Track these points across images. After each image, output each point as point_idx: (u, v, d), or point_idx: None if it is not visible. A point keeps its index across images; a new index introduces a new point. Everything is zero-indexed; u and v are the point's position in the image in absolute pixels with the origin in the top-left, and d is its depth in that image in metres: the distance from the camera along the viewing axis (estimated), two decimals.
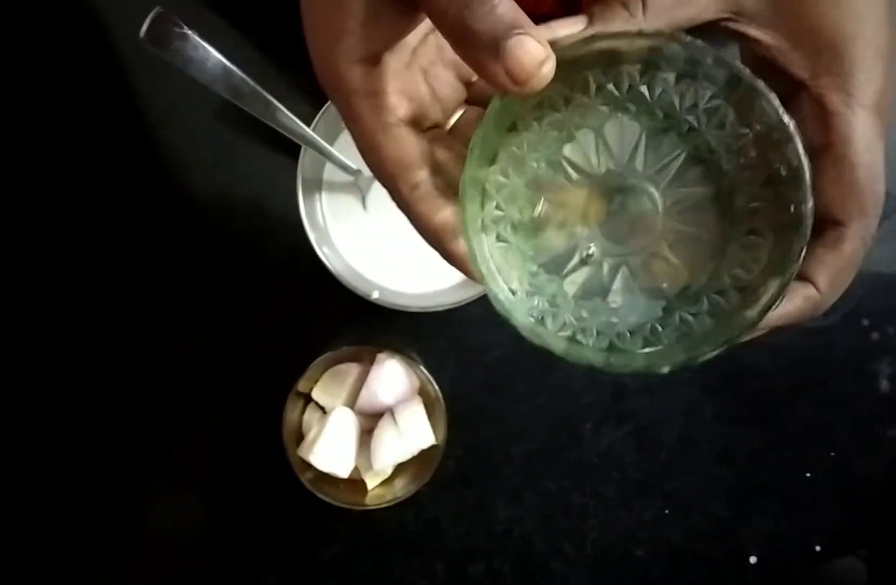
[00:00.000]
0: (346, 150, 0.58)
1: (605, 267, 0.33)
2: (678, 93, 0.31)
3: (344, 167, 0.57)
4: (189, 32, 0.52)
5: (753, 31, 0.33)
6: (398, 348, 0.57)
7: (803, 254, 0.30)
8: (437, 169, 0.32)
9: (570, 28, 0.31)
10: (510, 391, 0.61)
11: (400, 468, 0.58)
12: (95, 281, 0.60)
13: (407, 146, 0.31)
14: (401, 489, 0.56)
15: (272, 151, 0.59)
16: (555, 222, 0.33)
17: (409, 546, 0.61)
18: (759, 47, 0.33)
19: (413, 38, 0.32)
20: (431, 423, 0.56)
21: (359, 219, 0.60)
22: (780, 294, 0.30)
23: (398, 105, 0.31)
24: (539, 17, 0.54)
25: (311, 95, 0.56)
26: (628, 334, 0.32)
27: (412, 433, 0.55)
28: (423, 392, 0.58)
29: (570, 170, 0.32)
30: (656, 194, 0.32)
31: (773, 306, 0.30)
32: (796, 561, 0.64)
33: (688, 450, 0.63)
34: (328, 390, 0.57)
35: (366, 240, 0.60)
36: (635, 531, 0.63)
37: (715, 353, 0.31)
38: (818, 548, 0.64)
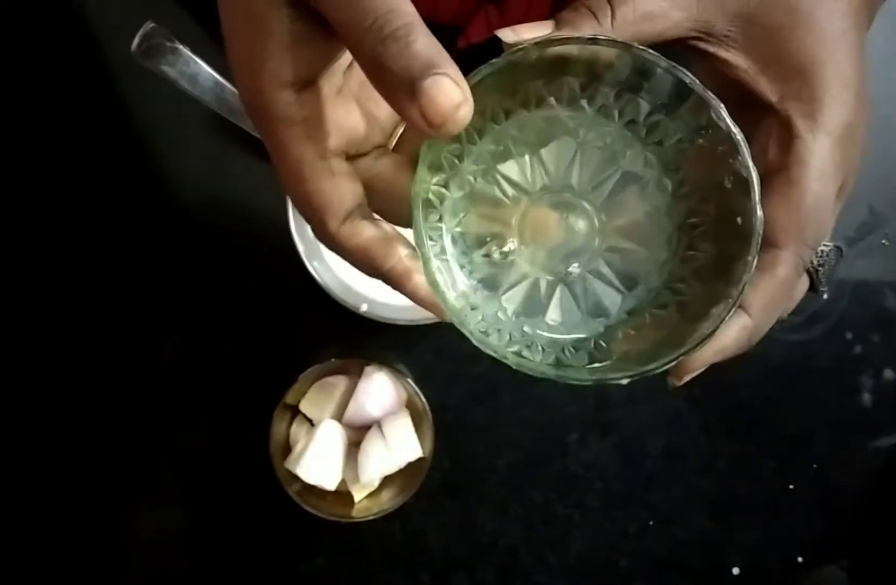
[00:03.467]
0: None
1: (543, 285, 0.32)
2: (619, 107, 0.30)
3: None
4: (180, 47, 0.53)
5: (723, 53, 0.32)
6: (386, 361, 0.58)
7: (754, 263, 0.29)
8: (374, 195, 0.31)
9: (534, 32, 0.30)
10: (496, 404, 0.62)
11: (387, 481, 0.58)
12: (81, 290, 0.59)
13: (334, 180, 0.29)
14: (388, 501, 0.57)
15: (262, 164, 0.59)
16: (490, 237, 0.32)
17: (396, 558, 0.61)
18: (727, 68, 0.32)
19: (345, 59, 0.31)
20: (418, 435, 0.56)
21: None
22: (734, 305, 0.29)
23: (327, 135, 0.29)
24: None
25: None
26: (573, 350, 0.31)
27: (399, 445, 0.56)
28: (410, 405, 0.58)
29: (505, 185, 0.31)
30: (592, 211, 0.31)
31: (727, 317, 0.29)
32: (779, 572, 0.65)
33: (672, 462, 0.63)
34: (316, 402, 0.57)
35: None
36: (619, 542, 0.63)
37: (663, 368, 0.30)
38: (800, 559, 0.65)
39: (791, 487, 0.65)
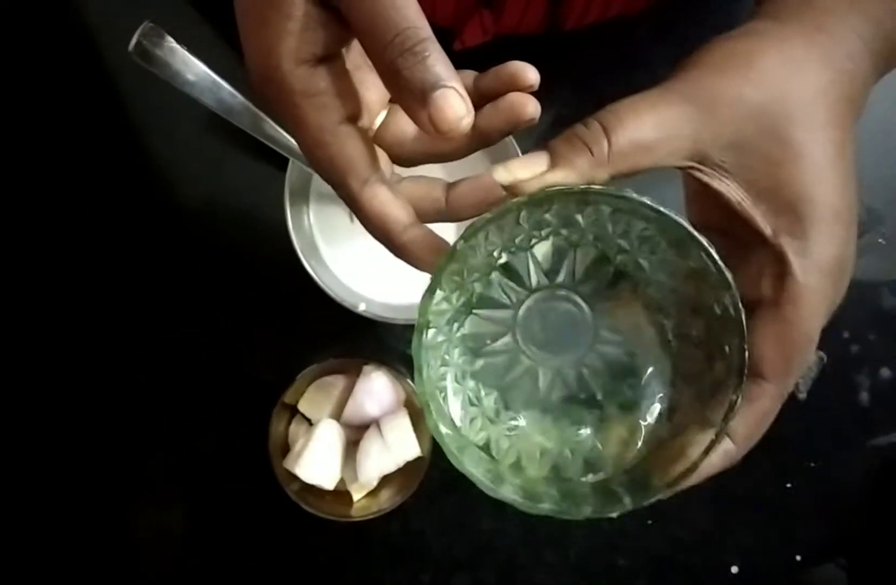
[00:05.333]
0: None
1: (542, 378, 0.34)
2: (612, 222, 0.31)
3: None
4: (177, 46, 0.53)
5: (716, 184, 0.33)
6: (384, 361, 0.57)
7: (740, 400, 0.30)
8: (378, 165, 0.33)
9: (529, 170, 0.31)
10: None
11: (386, 480, 0.58)
12: (79, 289, 0.59)
13: (353, 143, 0.32)
14: (386, 500, 0.57)
15: (260, 164, 0.59)
16: (492, 338, 0.34)
17: (395, 558, 0.61)
18: (721, 198, 0.33)
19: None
20: (417, 435, 0.56)
21: (346, 231, 0.60)
22: (718, 438, 0.30)
23: (343, 103, 0.32)
24: (525, 37, 0.54)
25: None
26: (570, 455, 0.33)
27: (398, 444, 0.56)
28: (409, 404, 0.58)
29: (504, 287, 0.33)
30: (586, 308, 0.33)
31: (713, 450, 0.31)
32: (777, 571, 0.65)
33: None
34: (314, 401, 0.57)
35: (353, 252, 0.60)
36: (619, 541, 0.63)
37: (652, 500, 0.31)
38: (799, 558, 0.65)
39: (789, 486, 0.65)
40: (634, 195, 0.30)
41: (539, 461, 0.33)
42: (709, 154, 0.32)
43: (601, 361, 0.33)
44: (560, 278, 0.33)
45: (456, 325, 0.33)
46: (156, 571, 0.60)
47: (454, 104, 0.28)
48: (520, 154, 0.56)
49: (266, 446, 0.55)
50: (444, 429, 0.31)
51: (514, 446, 0.33)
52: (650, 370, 0.33)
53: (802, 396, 0.42)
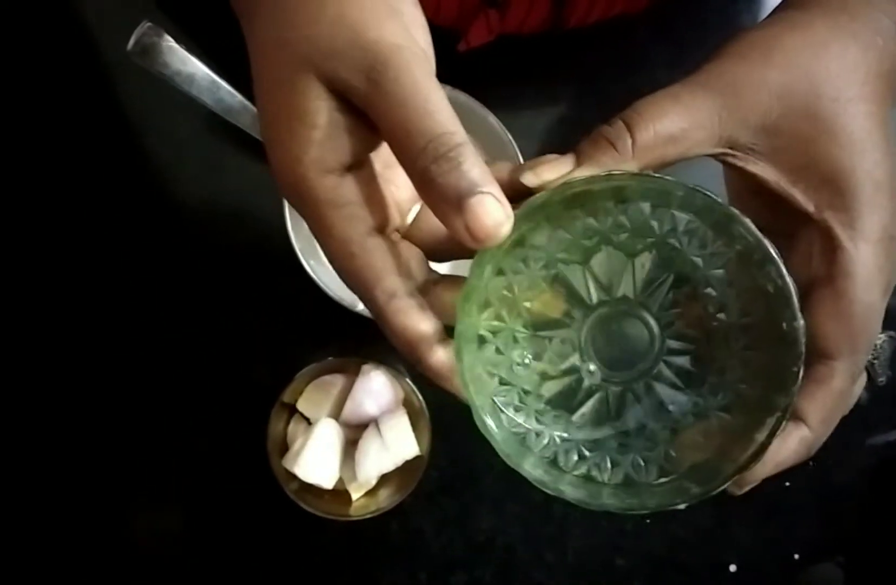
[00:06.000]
0: None
1: (611, 396, 0.33)
2: (657, 219, 0.31)
3: None
4: (176, 45, 0.53)
5: (751, 167, 0.33)
6: (383, 360, 0.58)
7: (801, 373, 0.30)
8: (408, 275, 0.32)
9: (555, 172, 0.31)
10: None
11: (384, 479, 0.58)
12: (77, 290, 0.59)
13: (381, 255, 0.31)
14: (385, 499, 0.57)
15: (259, 163, 0.59)
16: (555, 358, 0.33)
17: (393, 557, 0.61)
18: (758, 181, 0.33)
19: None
20: (416, 434, 0.56)
21: None
22: (784, 417, 0.30)
23: (369, 215, 0.31)
24: (527, 36, 0.54)
25: None
26: (643, 463, 0.32)
27: (397, 444, 0.56)
28: (407, 403, 0.58)
29: (563, 306, 0.32)
30: (650, 319, 0.32)
31: (780, 429, 0.30)
32: (775, 570, 0.65)
33: None
34: (313, 401, 0.57)
35: None
36: (617, 540, 0.63)
37: (722, 487, 0.31)
38: (797, 556, 0.65)
39: (787, 484, 0.65)
40: (655, 174, 0.30)
41: (611, 471, 0.32)
42: (739, 139, 0.32)
43: (670, 371, 0.33)
44: (620, 291, 0.33)
45: (518, 346, 0.33)
46: (155, 570, 0.60)
47: (492, 211, 0.27)
48: (519, 155, 0.56)
49: (265, 445, 0.55)
50: (502, 441, 0.32)
51: (584, 459, 0.33)
52: (719, 373, 0.32)
53: (882, 380, 0.40)
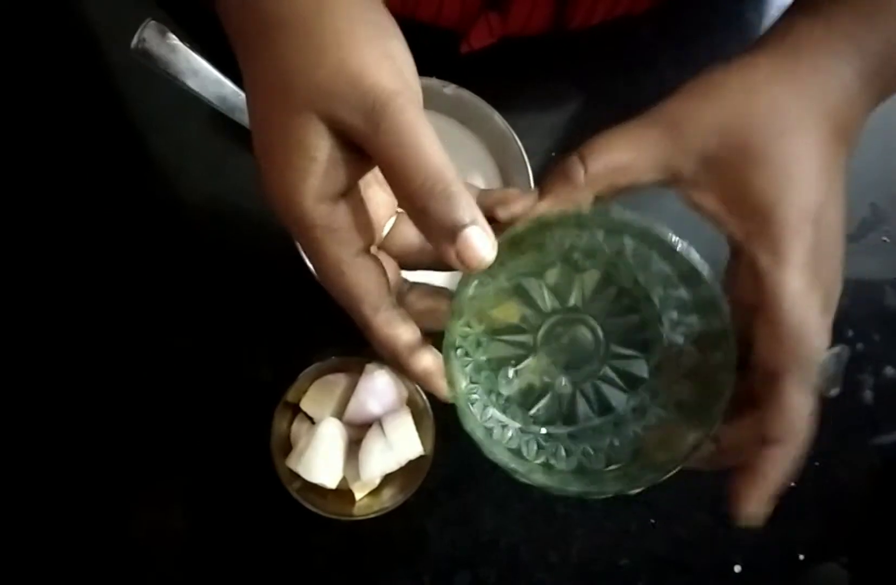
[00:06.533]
0: None
1: (563, 394, 0.38)
2: (608, 243, 0.35)
3: None
4: (180, 43, 0.53)
5: (695, 196, 0.36)
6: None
7: (734, 378, 0.34)
8: (389, 289, 0.36)
9: (523, 205, 0.36)
10: None
11: (388, 479, 0.58)
12: (80, 289, 0.59)
13: (367, 274, 0.34)
14: (388, 499, 0.56)
15: None
16: (513, 359, 0.38)
17: (396, 557, 0.61)
18: (700, 209, 0.36)
19: None
20: (419, 433, 0.56)
21: None
22: (715, 418, 0.35)
23: (358, 237, 0.34)
24: (529, 38, 0.55)
25: None
26: (591, 452, 0.37)
27: (400, 443, 0.56)
28: (411, 403, 0.58)
29: (521, 312, 0.37)
30: (597, 326, 0.37)
31: (714, 427, 0.35)
32: (780, 570, 0.65)
33: None
34: (317, 400, 0.57)
35: None
36: (621, 540, 0.63)
37: (669, 472, 0.36)
38: (801, 556, 0.65)
39: (792, 484, 0.65)
40: (613, 210, 0.34)
41: (566, 460, 0.37)
42: (682, 170, 0.36)
43: (614, 373, 0.37)
44: (572, 301, 0.37)
45: (480, 349, 0.37)
46: (157, 569, 0.60)
47: (480, 242, 0.31)
48: (524, 153, 0.56)
49: (268, 444, 0.55)
50: (477, 434, 0.36)
51: (542, 448, 0.38)
52: (656, 376, 0.37)
53: (832, 393, 0.46)
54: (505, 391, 0.38)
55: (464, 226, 0.31)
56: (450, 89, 0.57)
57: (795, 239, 0.34)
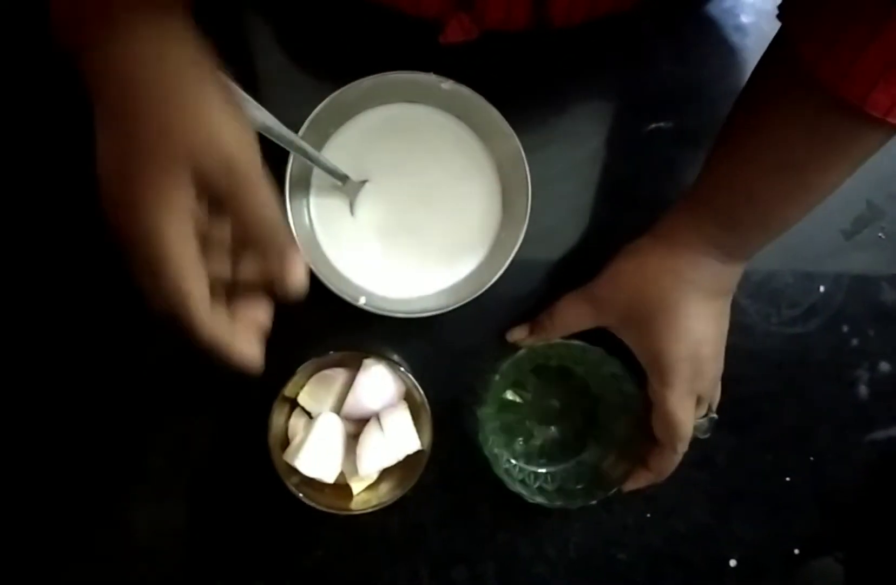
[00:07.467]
0: (333, 156, 0.59)
1: (547, 445, 0.64)
2: (566, 355, 0.62)
3: (332, 173, 0.58)
4: None
5: (625, 341, 0.59)
6: (384, 354, 0.58)
7: (637, 436, 0.60)
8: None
9: (520, 335, 0.61)
10: None
11: (385, 473, 0.58)
12: (78, 285, 0.59)
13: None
14: (386, 493, 0.57)
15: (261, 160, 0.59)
16: (516, 426, 0.63)
17: (394, 551, 0.61)
18: (630, 349, 0.59)
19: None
20: (417, 428, 0.56)
21: (346, 224, 0.60)
22: (630, 459, 0.60)
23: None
24: (513, 34, 0.54)
25: (297, 100, 0.57)
26: (569, 477, 0.62)
27: (398, 438, 0.56)
28: (408, 398, 0.58)
29: (515, 402, 0.63)
30: (558, 402, 0.64)
31: (629, 466, 0.60)
32: (776, 564, 0.65)
33: None
34: (314, 395, 0.57)
35: (353, 245, 0.60)
36: (618, 535, 0.63)
37: (611, 491, 0.60)
38: (796, 551, 0.65)
39: (788, 479, 0.65)
40: (574, 342, 0.60)
41: (551, 483, 0.62)
42: (609, 323, 0.59)
43: (570, 431, 0.64)
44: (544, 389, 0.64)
45: (494, 420, 0.62)
46: (155, 564, 0.60)
47: (297, 264, 0.43)
48: (521, 150, 0.56)
49: (266, 439, 0.55)
50: (502, 474, 0.59)
51: (538, 478, 0.62)
52: (596, 434, 0.63)
53: (706, 436, 0.61)
54: (516, 447, 0.63)
55: (288, 258, 0.42)
56: (447, 85, 0.57)
57: (676, 374, 0.56)
